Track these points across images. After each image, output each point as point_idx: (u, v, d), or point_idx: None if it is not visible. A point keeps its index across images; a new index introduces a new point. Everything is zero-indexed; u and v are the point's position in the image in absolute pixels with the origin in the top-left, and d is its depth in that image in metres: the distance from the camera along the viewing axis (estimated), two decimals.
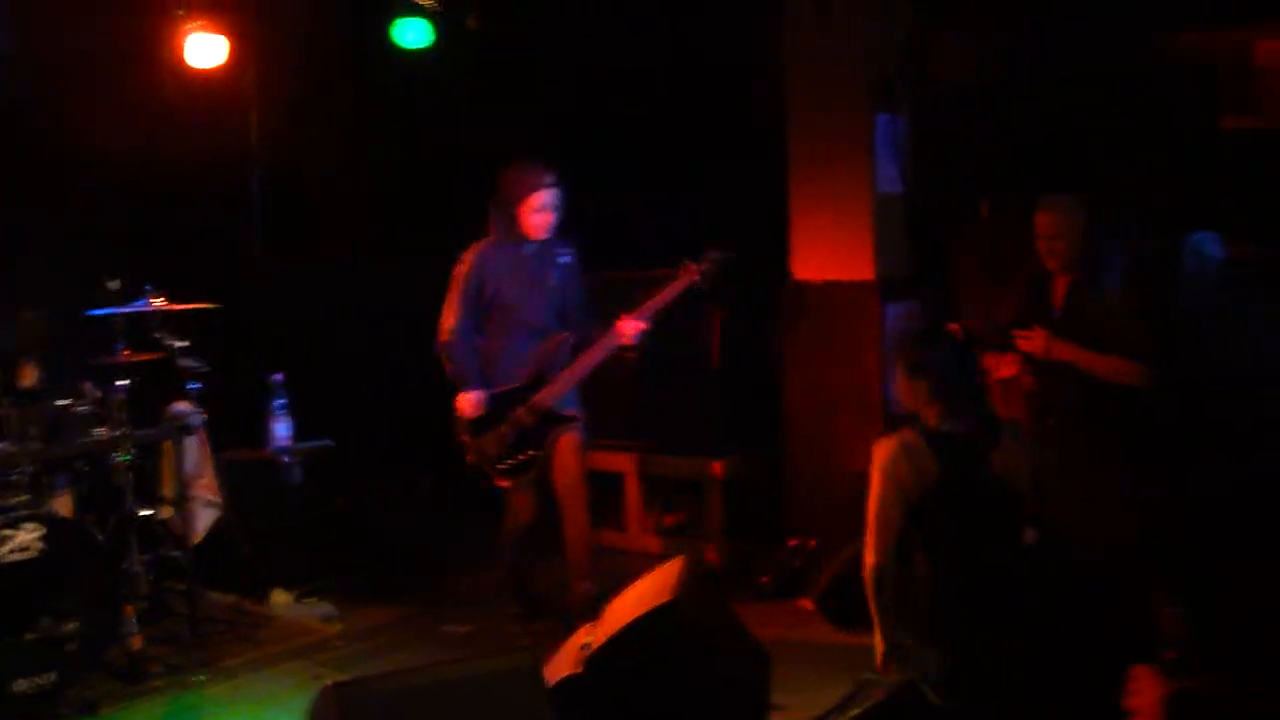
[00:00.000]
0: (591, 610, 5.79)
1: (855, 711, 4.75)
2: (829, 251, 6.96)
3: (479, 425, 5.97)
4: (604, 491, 7.10)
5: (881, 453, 4.67)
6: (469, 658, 5.09)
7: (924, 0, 6.93)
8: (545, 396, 5.95)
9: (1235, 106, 6.44)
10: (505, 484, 6.04)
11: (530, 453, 5.95)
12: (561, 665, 4.56)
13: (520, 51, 8.00)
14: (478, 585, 6.88)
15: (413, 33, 7.29)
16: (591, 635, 4.62)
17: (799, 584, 6.48)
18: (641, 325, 5.95)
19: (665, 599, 4.46)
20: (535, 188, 5.84)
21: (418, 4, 7.23)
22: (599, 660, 4.42)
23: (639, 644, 4.42)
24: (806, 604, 6.16)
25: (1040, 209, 5.69)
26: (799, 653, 5.54)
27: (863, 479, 6.73)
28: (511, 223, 5.91)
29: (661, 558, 5.66)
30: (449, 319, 6.02)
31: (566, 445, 6.03)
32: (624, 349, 6.05)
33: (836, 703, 4.87)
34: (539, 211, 5.86)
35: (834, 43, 6.88)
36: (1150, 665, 3.39)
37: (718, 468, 7.20)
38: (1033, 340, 5.57)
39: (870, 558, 4.57)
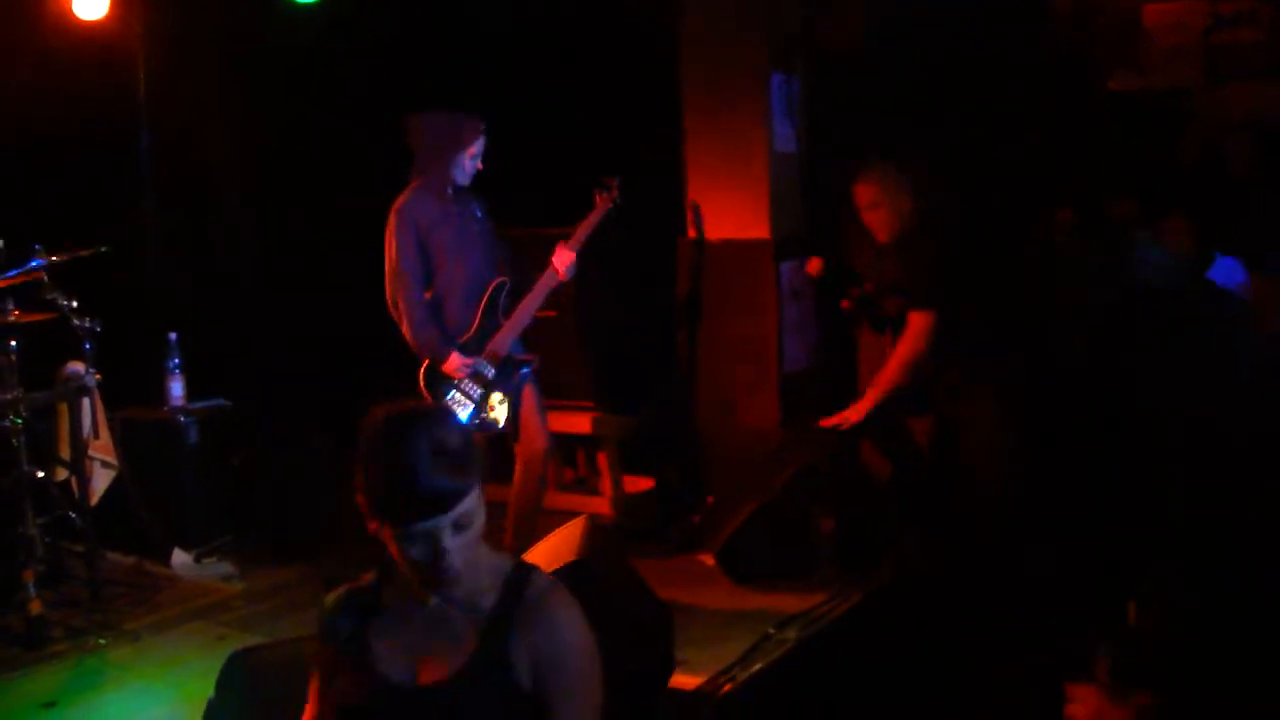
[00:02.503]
0: None
1: (758, 665, 4.88)
2: (725, 209, 7.04)
3: (440, 383, 5.79)
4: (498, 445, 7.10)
5: None
6: None
7: None
8: (500, 342, 5.85)
9: (1122, 67, 6.59)
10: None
11: (497, 407, 5.84)
12: None
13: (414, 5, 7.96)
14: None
15: None
16: None
17: (700, 539, 6.54)
18: (572, 256, 5.90)
19: (571, 559, 4.51)
20: (477, 134, 5.79)
21: None
22: None
23: None
24: (708, 559, 6.23)
25: (855, 180, 5.80)
26: (701, 608, 5.61)
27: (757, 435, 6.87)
28: (445, 169, 5.81)
29: (562, 515, 5.67)
30: (400, 281, 5.79)
31: (530, 407, 5.94)
32: (561, 284, 5.97)
33: (739, 657, 4.98)
34: (475, 159, 5.82)
35: None
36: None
37: (612, 423, 7.21)
38: (845, 421, 5.86)
39: None
